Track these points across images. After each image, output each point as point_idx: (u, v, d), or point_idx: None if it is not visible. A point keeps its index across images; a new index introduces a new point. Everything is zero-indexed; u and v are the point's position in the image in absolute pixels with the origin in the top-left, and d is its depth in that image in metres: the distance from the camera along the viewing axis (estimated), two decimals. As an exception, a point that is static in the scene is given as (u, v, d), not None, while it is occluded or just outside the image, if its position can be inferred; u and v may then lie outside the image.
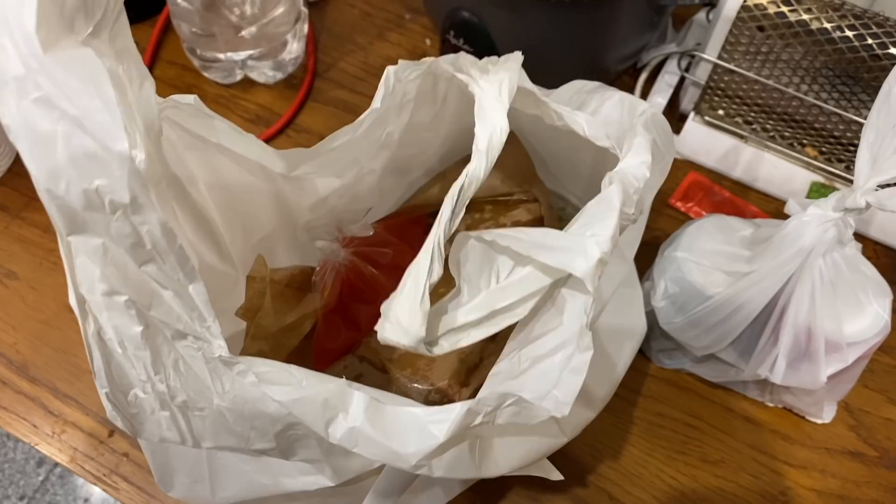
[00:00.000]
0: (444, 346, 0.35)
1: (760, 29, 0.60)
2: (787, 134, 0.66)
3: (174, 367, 0.34)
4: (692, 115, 0.68)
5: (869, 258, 0.52)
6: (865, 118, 0.44)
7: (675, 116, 0.71)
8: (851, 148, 0.64)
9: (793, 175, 0.67)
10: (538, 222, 0.53)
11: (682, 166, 0.69)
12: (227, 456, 0.41)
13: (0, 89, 0.26)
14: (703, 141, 0.68)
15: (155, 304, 0.33)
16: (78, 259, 0.31)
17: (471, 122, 0.37)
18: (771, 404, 0.58)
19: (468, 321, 0.35)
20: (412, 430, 0.34)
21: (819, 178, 0.66)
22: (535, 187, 0.55)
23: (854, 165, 0.44)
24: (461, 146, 0.54)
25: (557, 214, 0.57)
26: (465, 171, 0.36)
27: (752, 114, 0.67)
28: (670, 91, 0.69)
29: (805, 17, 0.58)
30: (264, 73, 0.72)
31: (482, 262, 0.36)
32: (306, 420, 0.34)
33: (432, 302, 0.34)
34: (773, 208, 0.67)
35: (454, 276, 0.36)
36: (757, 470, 0.56)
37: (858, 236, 0.64)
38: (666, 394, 0.59)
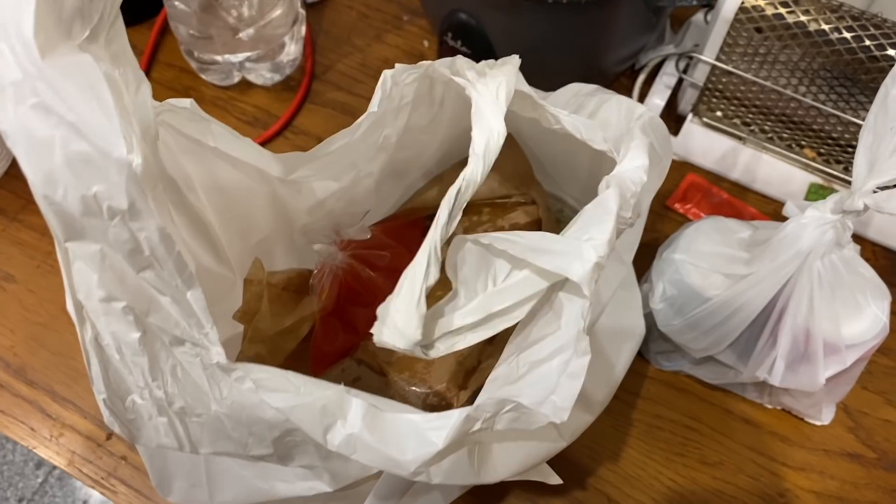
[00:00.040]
0: (441, 349, 0.35)
1: (758, 30, 0.60)
2: (785, 135, 0.66)
3: (172, 374, 0.34)
4: (690, 116, 0.68)
5: (867, 260, 0.52)
6: (863, 119, 0.43)
7: (673, 118, 0.71)
8: (850, 149, 0.64)
9: (791, 176, 0.67)
10: (536, 224, 0.53)
11: (680, 168, 0.69)
12: (225, 461, 0.41)
13: None
14: (702, 142, 0.68)
15: (153, 311, 0.33)
16: (75, 265, 0.31)
17: (468, 125, 0.37)
18: (770, 406, 0.58)
19: (465, 324, 0.35)
20: (410, 436, 0.34)
21: (817, 180, 0.66)
22: (533, 189, 0.55)
23: (852, 167, 0.44)
24: (458, 149, 0.54)
25: (555, 217, 0.57)
26: (461, 175, 0.36)
27: (751, 115, 0.66)
28: (668, 93, 0.69)
29: (803, 18, 0.58)
30: (262, 75, 0.72)
31: (479, 266, 0.36)
32: (304, 427, 0.34)
33: (429, 305, 0.34)
34: (772, 209, 0.67)
35: (451, 278, 0.36)
36: (756, 472, 0.56)
37: (857, 238, 0.64)
38: (664, 396, 0.59)
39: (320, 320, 0.50)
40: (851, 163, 0.46)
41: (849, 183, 0.64)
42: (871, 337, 0.50)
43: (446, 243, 0.35)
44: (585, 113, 0.46)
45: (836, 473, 0.56)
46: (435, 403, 0.48)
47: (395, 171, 0.52)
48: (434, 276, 0.34)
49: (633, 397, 0.59)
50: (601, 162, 0.46)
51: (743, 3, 0.59)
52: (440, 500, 0.45)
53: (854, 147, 0.59)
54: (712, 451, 0.57)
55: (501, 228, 0.53)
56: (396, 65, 0.44)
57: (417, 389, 0.48)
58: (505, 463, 0.39)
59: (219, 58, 0.69)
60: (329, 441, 0.34)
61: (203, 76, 0.72)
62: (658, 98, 0.69)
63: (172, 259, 0.31)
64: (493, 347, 0.49)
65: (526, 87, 0.43)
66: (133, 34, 0.33)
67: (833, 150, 0.65)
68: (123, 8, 0.32)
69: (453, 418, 0.34)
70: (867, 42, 0.57)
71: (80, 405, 0.58)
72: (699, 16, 0.71)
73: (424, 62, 0.44)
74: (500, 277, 0.36)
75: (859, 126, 0.59)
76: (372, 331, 0.34)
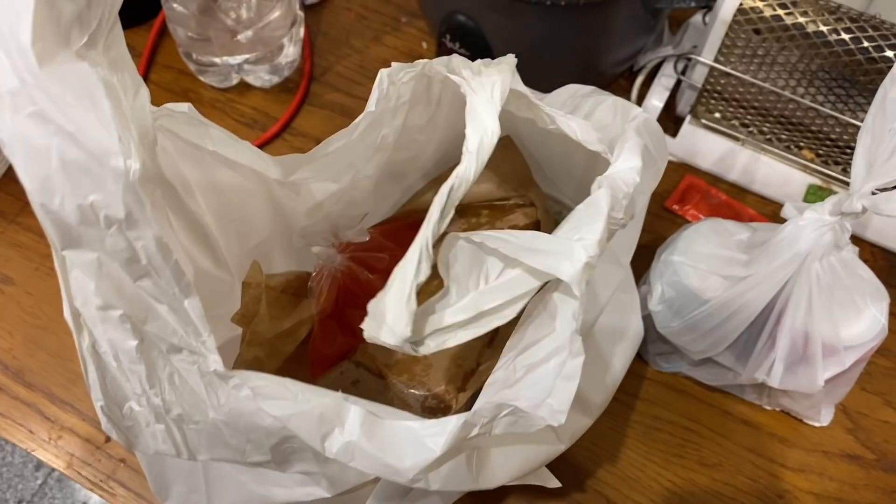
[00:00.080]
0: (431, 346, 0.34)
1: (757, 32, 0.60)
2: (783, 137, 0.66)
3: (169, 381, 0.34)
4: (689, 117, 0.68)
5: (866, 261, 0.52)
6: (862, 121, 0.43)
7: (671, 119, 0.71)
8: (848, 150, 0.64)
9: (790, 177, 0.67)
10: (535, 226, 0.53)
11: (678, 169, 0.69)
12: (224, 466, 0.41)
13: None
14: (700, 144, 0.68)
15: (150, 319, 0.32)
16: (72, 273, 0.31)
17: (465, 127, 0.37)
18: (768, 407, 0.58)
19: (455, 322, 0.35)
20: (408, 443, 0.34)
21: (816, 181, 0.66)
22: (532, 191, 0.55)
23: (851, 168, 0.44)
24: (456, 151, 0.54)
25: (554, 218, 0.57)
26: (454, 173, 0.36)
27: (749, 116, 0.66)
28: (667, 94, 0.69)
29: (801, 20, 0.58)
30: (260, 76, 0.72)
31: (471, 264, 0.36)
32: (302, 434, 0.34)
33: (423, 301, 0.34)
34: (770, 211, 0.67)
35: (443, 276, 0.36)
36: (754, 473, 0.56)
37: (855, 239, 0.64)
38: (663, 397, 0.59)
39: (319, 323, 0.50)
40: (850, 164, 0.46)
41: (847, 184, 0.64)
42: (870, 338, 0.50)
43: (439, 241, 0.35)
44: (581, 114, 0.46)
45: (835, 474, 0.56)
46: (434, 406, 0.48)
47: (393, 172, 0.52)
48: (425, 272, 0.34)
49: (631, 399, 0.59)
50: (595, 163, 0.46)
51: (741, 4, 0.59)
52: (439, 503, 0.45)
53: (852, 148, 0.59)
54: (711, 452, 0.57)
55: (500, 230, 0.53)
56: (393, 63, 0.44)
57: (416, 392, 0.48)
58: (503, 468, 0.39)
59: (217, 60, 0.69)
60: (327, 448, 0.34)
61: (201, 78, 0.72)
62: (656, 99, 0.69)
63: (170, 268, 0.31)
64: (491, 350, 0.49)
65: (522, 87, 0.43)
66: (131, 36, 0.33)
67: (831, 151, 0.65)
68: (121, 10, 0.32)
69: (451, 424, 0.34)
70: (865, 43, 0.57)
71: (78, 407, 0.58)
72: (697, 17, 0.71)
73: (421, 60, 0.44)
74: (493, 276, 0.35)
75: (858, 127, 0.60)
76: (362, 326, 0.34)
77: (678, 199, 0.67)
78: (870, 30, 0.57)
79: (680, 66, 0.69)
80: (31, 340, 0.61)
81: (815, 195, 0.66)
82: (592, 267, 0.35)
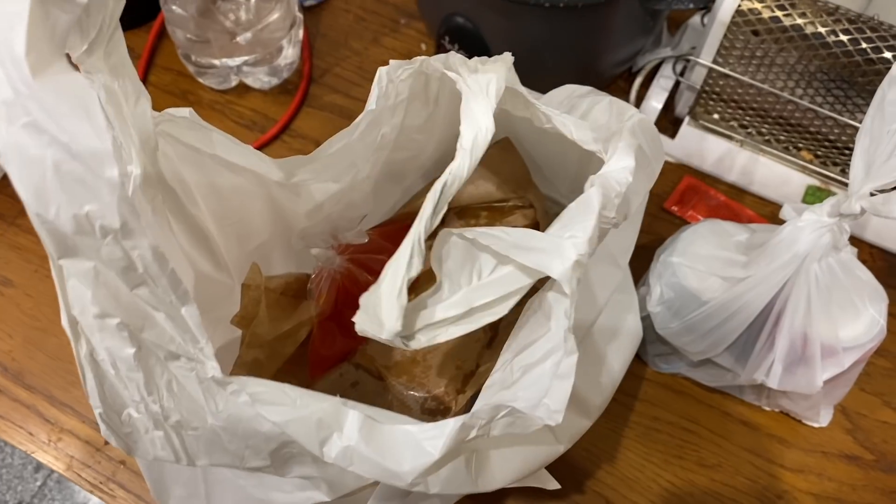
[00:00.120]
0: (422, 341, 0.35)
1: (755, 33, 0.60)
2: (782, 138, 0.66)
3: (167, 388, 0.34)
4: (687, 119, 0.69)
5: (864, 262, 0.52)
6: (860, 122, 0.43)
7: (670, 120, 0.71)
8: (847, 151, 0.64)
9: (788, 178, 0.67)
10: (534, 228, 0.53)
11: (677, 170, 0.69)
12: (223, 470, 0.41)
13: None
14: (699, 145, 0.68)
15: (147, 326, 0.33)
16: (69, 282, 0.31)
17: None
18: (767, 408, 0.58)
19: (447, 317, 0.35)
20: (407, 447, 0.34)
21: (815, 182, 0.66)
22: (531, 193, 0.55)
23: (849, 169, 0.44)
24: (454, 152, 0.54)
25: (553, 219, 0.57)
26: (448, 169, 0.36)
27: (748, 118, 0.67)
28: (665, 95, 0.69)
29: (799, 21, 0.58)
30: (259, 78, 0.72)
31: (464, 260, 0.36)
32: (300, 440, 0.34)
33: (417, 295, 0.34)
34: (769, 212, 0.67)
35: (436, 271, 0.36)
36: (754, 474, 0.56)
37: (854, 240, 0.65)
38: (662, 398, 0.59)
39: (318, 325, 0.50)
40: (848, 165, 0.46)
41: (846, 185, 0.64)
42: (869, 339, 0.50)
43: (433, 237, 0.35)
44: (578, 114, 0.46)
45: (834, 475, 0.56)
46: (433, 407, 0.48)
47: (392, 172, 0.52)
48: (417, 267, 0.34)
49: (630, 400, 0.59)
50: (589, 163, 0.46)
51: (740, 6, 0.59)
52: (438, 504, 0.45)
53: (851, 149, 0.59)
54: (710, 453, 0.57)
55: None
56: (391, 61, 0.44)
57: (415, 394, 0.48)
58: (503, 470, 0.39)
59: (216, 62, 0.69)
60: (326, 453, 0.34)
61: (200, 80, 0.72)
62: (655, 101, 0.69)
63: (166, 276, 0.31)
64: (491, 351, 0.49)
65: (518, 86, 0.43)
66: (130, 38, 0.33)
67: (830, 152, 0.65)
68: (121, 13, 0.32)
69: (448, 427, 0.34)
70: (864, 45, 0.57)
71: (78, 409, 0.58)
72: (696, 18, 0.71)
73: (419, 57, 0.44)
74: (486, 272, 0.36)
75: (856, 128, 0.60)
76: (354, 319, 0.34)
77: (677, 200, 0.67)
78: (868, 31, 0.57)
79: (678, 68, 0.69)
80: (31, 342, 0.61)
81: (813, 196, 0.66)
82: (583, 265, 0.35)
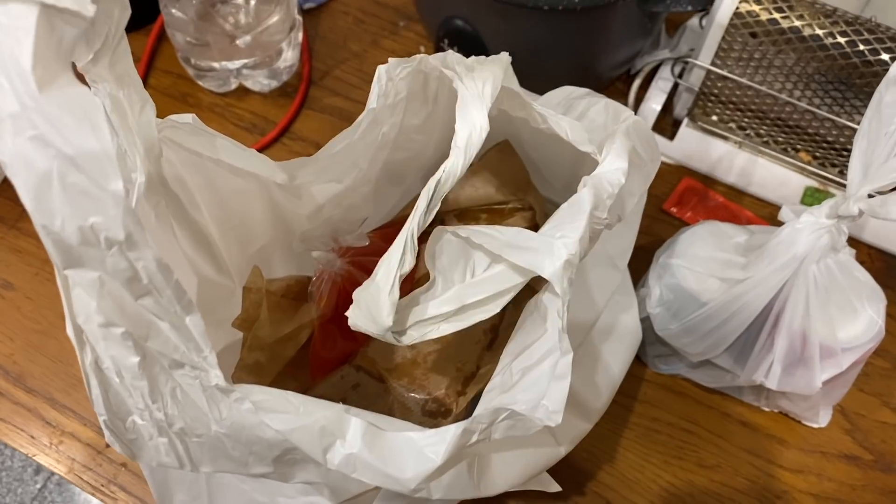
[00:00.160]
0: (414, 336, 0.35)
1: (753, 35, 0.60)
2: (780, 139, 0.67)
3: (171, 396, 0.34)
4: (686, 120, 0.69)
5: (862, 262, 0.52)
6: (858, 123, 0.44)
7: (669, 122, 0.71)
8: (845, 153, 0.64)
9: (787, 180, 0.67)
10: (533, 230, 0.54)
11: (676, 172, 0.69)
12: (226, 475, 0.41)
13: None
14: (697, 146, 0.68)
15: (152, 336, 0.33)
16: (74, 291, 0.31)
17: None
18: (767, 409, 0.58)
19: (439, 314, 0.35)
20: (409, 454, 0.34)
21: (813, 183, 0.66)
22: (531, 195, 0.55)
23: (847, 170, 0.44)
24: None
25: (552, 222, 0.57)
26: (442, 167, 0.36)
27: (746, 119, 0.67)
28: (664, 97, 0.70)
29: (797, 23, 0.58)
30: (259, 81, 0.72)
31: (458, 257, 0.36)
32: (304, 447, 0.34)
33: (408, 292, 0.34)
34: (768, 213, 0.67)
35: (429, 268, 0.36)
36: (753, 474, 0.56)
37: (852, 240, 0.65)
38: (662, 399, 0.59)
39: (319, 327, 0.50)
40: (847, 166, 0.46)
41: (844, 186, 0.65)
42: (867, 340, 0.50)
43: (427, 235, 0.36)
44: (574, 115, 0.46)
45: (834, 475, 0.57)
46: (434, 409, 0.48)
47: (392, 174, 0.53)
48: (409, 263, 0.34)
49: (630, 401, 0.59)
50: (587, 164, 0.46)
51: (738, 8, 0.59)
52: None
53: (849, 150, 0.60)
54: (710, 453, 0.57)
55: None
56: (390, 59, 0.44)
57: (416, 396, 0.48)
58: (504, 474, 0.40)
59: (216, 65, 0.69)
60: (329, 461, 0.34)
61: (200, 83, 0.73)
62: (654, 102, 0.70)
63: (171, 287, 0.31)
64: (491, 353, 0.50)
65: (515, 86, 0.44)
66: (130, 41, 0.33)
67: (828, 153, 0.65)
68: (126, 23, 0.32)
69: (450, 433, 0.34)
70: (861, 47, 0.57)
71: (79, 412, 0.58)
72: (694, 20, 0.72)
73: (418, 56, 0.44)
74: (479, 269, 0.36)
75: (854, 130, 0.60)
76: (347, 314, 0.34)
77: (676, 202, 0.67)
78: (865, 33, 0.57)
79: (677, 70, 0.69)
80: (32, 345, 0.61)
81: (812, 197, 0.66)
82: (574, 265, 0.35)
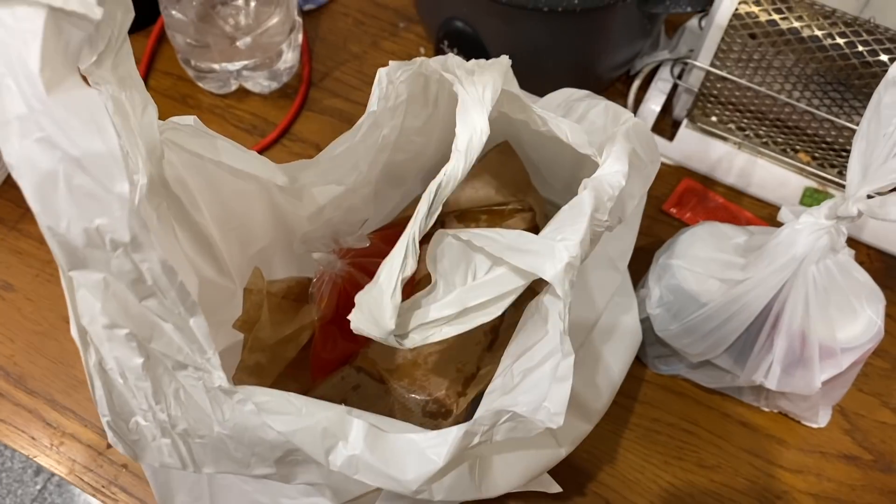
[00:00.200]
0: (416, 340, 0.35)
1: (752, 36, 0.60)
2: (779, 140, 0.67)
3: (175, 397, 0.34)
4: (685, 121, 0.69)
5: (862, 263, 0.53)
6: (857, 124, 0.44)
7: (668, 123, 0.71)
8: (844, 153, 0.64)
9: (786, 180, 0.67)
10: (533, 232, 0.54)
11: (675, 172, 0.69)
12: (228, 476, 0.42)
13: (2, 128, 0.26)
14: (697, 147, 0.69)
15: (156, 337, 0.33)
16: (79, 292, 0.32)
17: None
18: (766, 409, 0.59)
19: (441, 317, 0.35)
20: (411, 455, 0.34)
21: (812, 184, 0.67)
22: (531, 196, 0.55)
23: (846, 171, 0.44)
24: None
25: (552, 223, 0.58)
26: (443, 170, 0.36)
27: (745, 120, 0.67)
28: (663, 98, 0.70)
29: (796, 24, 0.59)
30: (259, 82, 0.72)
31: (459, 260, 0.36)
32: (306, 448, 0.34)
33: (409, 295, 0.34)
34: (767, 213, 0.67)
35: (431, 271, 0.36)
36: (753, 474, 0.57)
37: (851, 241, 0.65)
38: (662, 399, 0.59)
39: (320, 328, 0.50)
40: (846, 167, 0.46)
41: (843, 187, 0.65)
42: (867, 340, 0.50)
43: (429, 238, 0.36)
44: (574, 117, 0.46)
45: (833, 475, 0.57)
46: (434, 410, 0.48)
47: (392, 175, 0.53)
48: (411, 267, 0.35)
49: (630, 401, 0.59)
50: (587, 166, 0.46)
51: (737, 9, 0.59)
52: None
53: (848, 151, 0.60)
54: (710, 454, 0.57)
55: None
56: (390, 62, 0.44)
57: (417, 397, 0.48)
58: (506, 476, 0.40)
59: (216, 66, 0.69)
60: (331, 462, 0.34)
61: (200, 84, 0.73)
62: (653, 103, 0.70)
63: (175, 288, 0.31)
64: (491, 354, 0.50)
65: (515, 89, 0.44)
66: (130, 42, 0.33)
67: (827, 154, 0.65)
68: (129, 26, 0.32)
69: (452, 435, 0.34)
70: (860, 48, 0.57)
71: (80, 413, 0.58)
72: (693, 21, 0.72)
73: (418, 58, 0.44)
74: (481, 272, 0.36)
75: (853, 130, 0.60)
76: (349, 317, 0.34)
77: (675, 203, 0.68)
78: (864, 34, 0.57)
79: (676, 71, 0.70)
80: (32, 346, 0.61)
81: (811, 198, 0.66)
82: (575, 267, 0.35)
